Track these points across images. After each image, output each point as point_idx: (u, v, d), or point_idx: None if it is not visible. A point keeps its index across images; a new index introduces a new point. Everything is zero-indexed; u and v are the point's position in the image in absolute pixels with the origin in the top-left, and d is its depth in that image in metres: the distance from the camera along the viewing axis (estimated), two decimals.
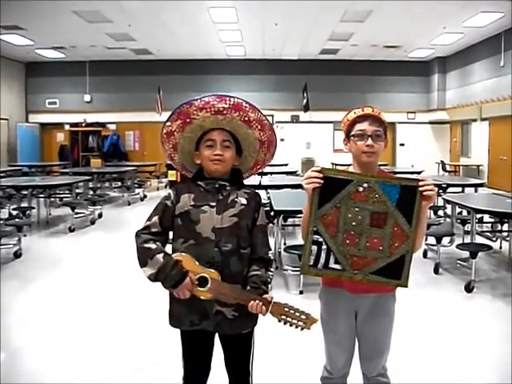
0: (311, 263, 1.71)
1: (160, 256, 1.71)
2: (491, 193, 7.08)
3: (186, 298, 1.71)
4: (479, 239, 5.54)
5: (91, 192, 9.84)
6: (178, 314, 1.82)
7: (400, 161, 15.47)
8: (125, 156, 15.39)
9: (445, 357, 3.08)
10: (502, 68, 11.68)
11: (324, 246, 1.69)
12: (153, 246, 1.74)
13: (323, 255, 1.69)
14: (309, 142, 15.78)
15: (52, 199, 9.02)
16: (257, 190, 1.94)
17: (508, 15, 10.05)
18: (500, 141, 12.05)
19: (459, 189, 7.59)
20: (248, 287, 1.76)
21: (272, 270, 1.85)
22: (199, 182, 1.84)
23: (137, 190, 11.15)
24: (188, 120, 1.78)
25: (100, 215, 8.33)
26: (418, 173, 9.33)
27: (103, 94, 15.59)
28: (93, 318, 3.76)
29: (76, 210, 7.41)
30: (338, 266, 1.69)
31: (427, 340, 3.34)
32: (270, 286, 1.81)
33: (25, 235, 6.36)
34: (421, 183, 1.65)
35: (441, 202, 7.34)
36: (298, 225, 5.54)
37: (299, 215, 4.43)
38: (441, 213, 7.64)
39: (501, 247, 5.96)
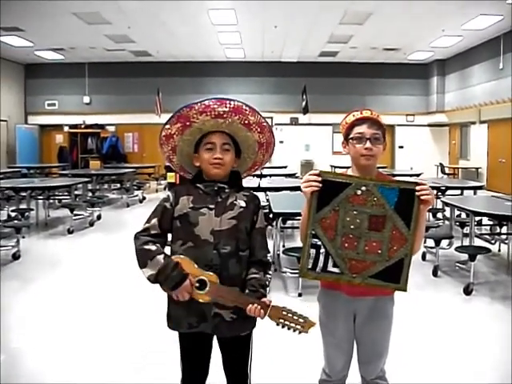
0: (310, 266, 1.71)
1: (160, 257, 1.71)
2: (490, 195, 7.07)
3: (185, 301, 1.70)
4: (478, 242, 5.56)
5: (90, 194, 9.82)
6: (176, 317, 1.81)
7: (399, 163, 15.47)
8: (124, 158, 15.41)
9: (443, 359, 3.07)
10: (501, 71, 11.70)
11: (323, 250, 1.69)
12: (153, 247, 1.74)
13: (322, 258, 1.69)
14: (308, 145, 15.78)
15: (51, 201, 9.01)
16: (256, 193, 1.95)
17: (507, 18, 10.07)
18: (499, 143, 12.07)
19: (458, 191, 7.61)
20: (246, 290, 1.75)
21: (270, 272, 1.85)
22: (198, 185, 1.84)
23: (136, 192, 11.15)
24: (188, 123, 1.78)
25: (99, 217, 8.33)
26: (417, 175, 9.32)
27: (102, 96, 15.60)
28: (92, 318, 3.76)
29: (75, 212, 7.40)
30: (336, 270, 1.69)
31: (426, 343, 3.34)
32: (268, 288, 1.81)
33: (23, 237, 6.35)
34: (418, 187, 1.65)
35: (440, 205, 7.35)
36: (297, 227, 5.54)
37: (298, 217, 4.42)
38: (440, 215, 7.65)
39: (499, 250, 5.96)
